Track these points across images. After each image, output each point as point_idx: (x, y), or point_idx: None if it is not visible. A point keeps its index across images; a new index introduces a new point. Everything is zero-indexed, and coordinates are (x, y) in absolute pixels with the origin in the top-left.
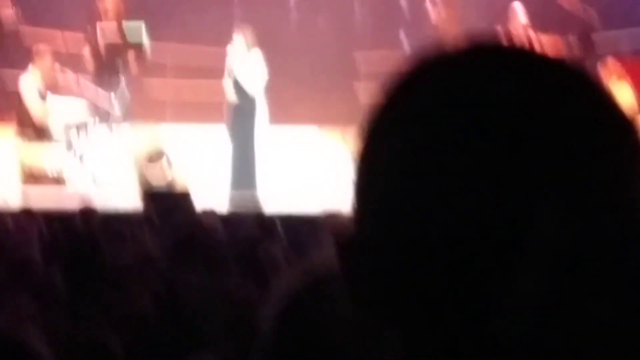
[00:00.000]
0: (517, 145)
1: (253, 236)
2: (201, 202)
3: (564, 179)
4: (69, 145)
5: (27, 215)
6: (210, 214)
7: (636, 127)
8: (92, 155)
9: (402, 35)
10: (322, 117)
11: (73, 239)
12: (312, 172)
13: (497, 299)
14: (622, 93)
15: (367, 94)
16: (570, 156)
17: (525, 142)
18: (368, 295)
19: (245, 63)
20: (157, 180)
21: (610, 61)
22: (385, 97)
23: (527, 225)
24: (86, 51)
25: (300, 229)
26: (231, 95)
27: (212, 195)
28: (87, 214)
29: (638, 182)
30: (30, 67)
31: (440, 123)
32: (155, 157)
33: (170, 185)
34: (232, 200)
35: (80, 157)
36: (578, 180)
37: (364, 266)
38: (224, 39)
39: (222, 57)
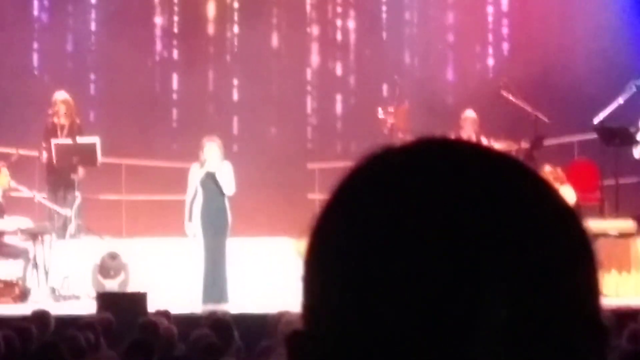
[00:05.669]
0: (465, 234)
1: (208, 337)
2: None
3: (511, 266)
4: (27, 259)
5: None
6: (164, 314)
7: (579, 218)
8: (51, 268)
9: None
10: (279, 229)
11: (29, 346)
12: (271, 280)
13: None
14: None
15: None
16: (516, 244)
17: (473, 232)
18: None
19: (220, 171)
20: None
21: (552, 168)
22: (331, 196)
23: (476, 317)
24: (41, 165)
25: (255, 329)
26: (200, 205)
27: (169, 302)
28: (42, 319)
29: (582, 269)
30: None
31: (386, 217)
32: (113, 270)
33: (124, 288)
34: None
35: (38, 270)
36: (524, 266)
37: None
38: (186, 155)
39: (182, 173)
